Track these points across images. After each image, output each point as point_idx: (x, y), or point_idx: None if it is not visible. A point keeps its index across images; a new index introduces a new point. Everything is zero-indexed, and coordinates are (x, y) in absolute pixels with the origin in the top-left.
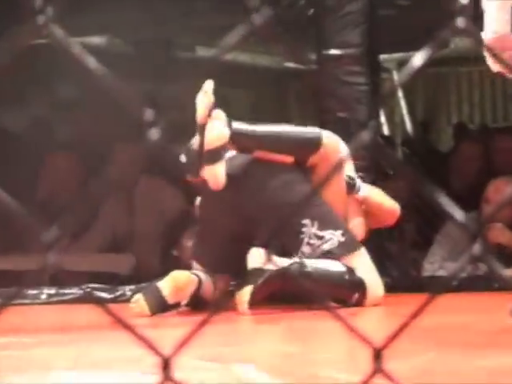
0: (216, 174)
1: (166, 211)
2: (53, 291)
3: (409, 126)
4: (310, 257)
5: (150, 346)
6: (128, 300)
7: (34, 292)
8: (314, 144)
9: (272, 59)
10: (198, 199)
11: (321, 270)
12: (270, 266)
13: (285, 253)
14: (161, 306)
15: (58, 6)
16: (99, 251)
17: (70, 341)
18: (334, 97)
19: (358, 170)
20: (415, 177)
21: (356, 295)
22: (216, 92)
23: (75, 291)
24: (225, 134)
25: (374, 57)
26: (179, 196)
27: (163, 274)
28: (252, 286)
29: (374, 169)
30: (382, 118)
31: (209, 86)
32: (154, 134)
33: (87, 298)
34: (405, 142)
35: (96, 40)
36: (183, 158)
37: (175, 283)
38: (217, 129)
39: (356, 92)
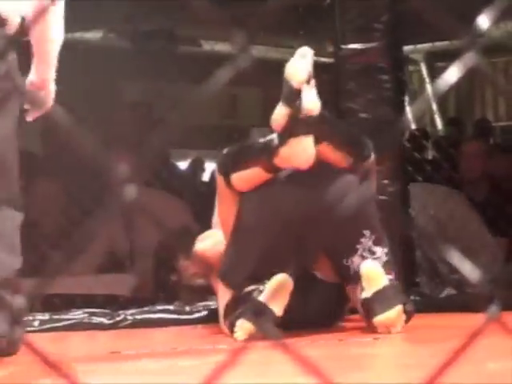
0: (307, 147)
1: (166, 227)
2: (46, 317)
3: (439, 123)
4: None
5: None
6: (129, 326)
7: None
8: (368, 151)
9: (285, 52)
10: (238, 204)
11: None
12: None
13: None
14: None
15: None
16: (97, 272)
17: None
18: (355, 96)
19: (384, 176)
20: None
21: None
22: (223, 90)
23: (71, 317)
24: (319, 103)
25: (398, 50)
26: (182, 210)
27: (160, 300)
28: (401, 305)
29: (402, 173)
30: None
31: (307, 50)
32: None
33: (85, 325)
34: (435, 143)
35: (90, 35)
36: (256, 139)
37: (280, 292)
38: (315, 96)
39: (379, 90)
